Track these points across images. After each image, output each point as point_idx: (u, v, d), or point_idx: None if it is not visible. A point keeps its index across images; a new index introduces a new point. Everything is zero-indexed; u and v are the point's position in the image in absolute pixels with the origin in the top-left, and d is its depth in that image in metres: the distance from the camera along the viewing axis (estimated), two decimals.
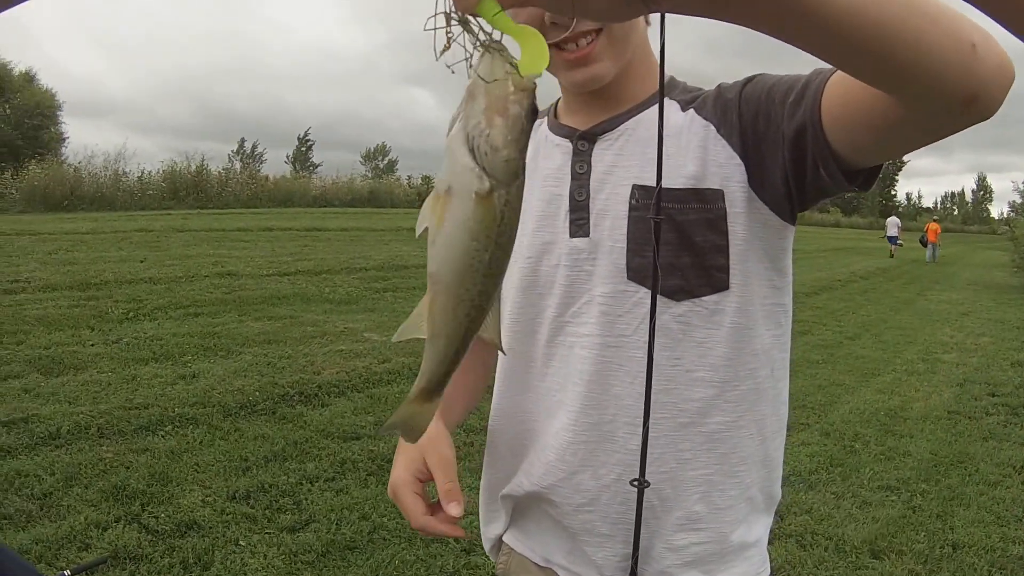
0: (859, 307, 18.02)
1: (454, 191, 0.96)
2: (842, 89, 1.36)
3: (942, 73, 1.09)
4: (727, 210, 1.57)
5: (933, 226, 41.75)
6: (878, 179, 1.48)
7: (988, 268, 35.86)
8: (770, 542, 4.42)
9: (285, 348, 9.69)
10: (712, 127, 1.59)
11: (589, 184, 1.63)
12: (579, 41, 1.55)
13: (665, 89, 1.63)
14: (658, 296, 1.54)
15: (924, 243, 41.43)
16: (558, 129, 1.73)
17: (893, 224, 45.01)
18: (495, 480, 1.87)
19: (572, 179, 1.66)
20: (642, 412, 1.54)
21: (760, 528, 1.80)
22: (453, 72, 0.98)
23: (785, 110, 1.47)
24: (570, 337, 1.65)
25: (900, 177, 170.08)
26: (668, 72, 1.69)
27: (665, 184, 1.53)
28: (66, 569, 4.18)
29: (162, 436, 6.46)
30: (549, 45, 1.55)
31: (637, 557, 1.62)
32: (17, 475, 5.52)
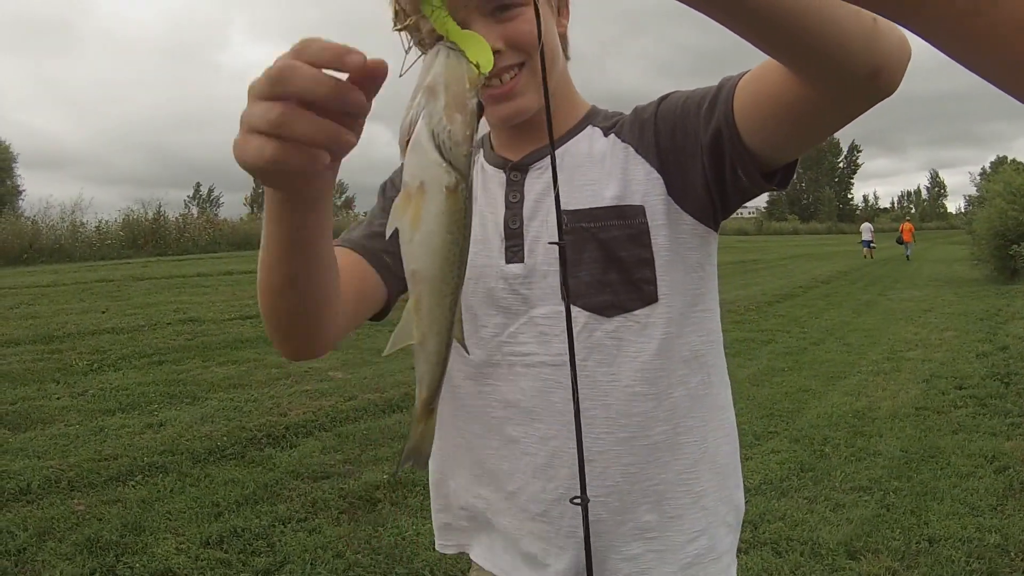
0: (822, 312, 18.12)
1: (426, 187, 0.98)
2: (752, 88, 1.43)
3: (847, 46, 1.17)
4: (648, 224, 1.61)
5: (907, 226, 44.18)
6: (794, 175, 1.55)
7: (948, 263, 36.15)
8: (745, 551, 4.42)
9: (251, 391, 9.67)
10: (631, 148, 1.65)
11: (522, 212, 1.67)
12: (502, 76, 1.58)
13: (587, 117, 1.73)
14: (590, 314, 1.61)
15: (900, 242, 43.62)
16: (493, 159, 1.77)
17: (867, 229, 46.78)
18: (453, 497, 1.89)
19: (506, 208, 1.70)
20: (581, 427, 1.57)
21: (724, 543, 1.81)
22: (401, 76, 1.01)
23: (700, 119, 1.52)
24: (509, 356, 1.69)
25: (856, 180, 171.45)
26: (590, 101, 1.78)
27: (588, 205, 1.60)
28: None
29: (132, 486, 6.42)
30: None
31: (591, 572, 1.64)
32: None
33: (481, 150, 1.82)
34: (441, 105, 0.98)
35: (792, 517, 5.86)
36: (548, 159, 1.65)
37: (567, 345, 1.55)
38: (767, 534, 5.56)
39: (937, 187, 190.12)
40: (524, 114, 1.62)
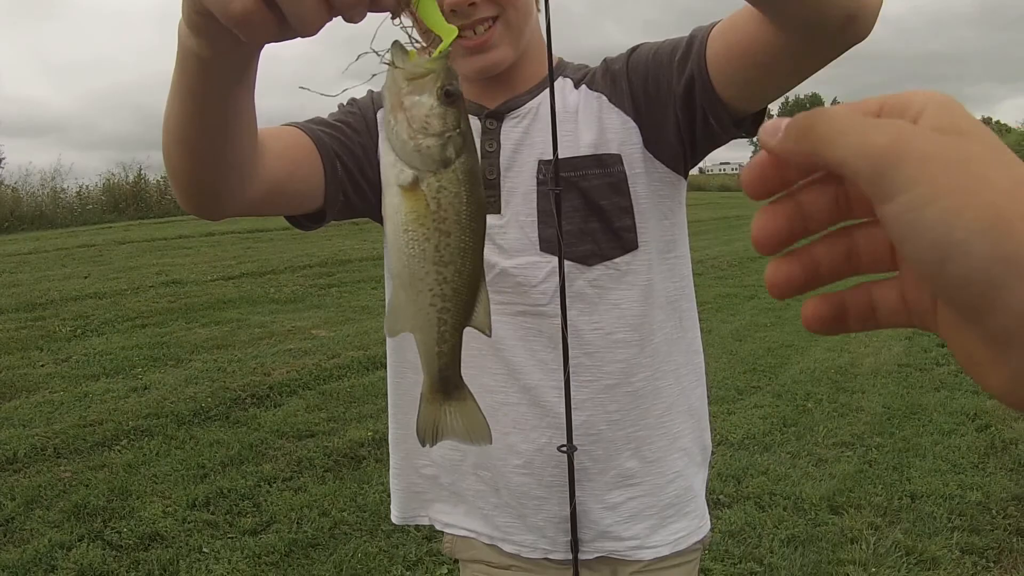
0: None
1: (385, 187, 0.99)
2: (724, 37, 1.47)
3: None
4: (627, 172, 1.63)
5: None
6: (764, 121, 1.55)
7: None
8: (728, 505, 4.44)
9: (234, 352, 9.66)
10: (604, 97, 1.67)
11: (499, 162, 1.68)
12: (476, 28, 1.59)
13: (556, 70, 1.72)
14: (571, 263, 1.62)
15: None
16: (468, 106, 1.75)
17: None
18: (415, 455, 1.89)
19: (482, 158, 1.69)
20: (562, 376, 1.59)
21: (698, 482, 1.86)
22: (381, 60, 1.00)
23: (673, 69, 1.55)
24: None
25: None
26: (580, 60, 1.78)
27: (566, 154, 1.61)
28: None
29: (118, 451, 6.44)
30: None
31: (575, 521, 1.66)
32: None
33: None
34: (388, 107, 0.99)
35: (775, 472, 5.90)
36: (524, 108, 1.66)
37: (547, 295, 1.56)
38: (750, 488, 5.59)
39: None
40: (498, 67, 1.63)
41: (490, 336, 1.11)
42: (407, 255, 0.99)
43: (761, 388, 8.13)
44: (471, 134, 0.99)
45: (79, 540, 4.97)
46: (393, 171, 0.97)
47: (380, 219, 1.80)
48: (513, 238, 1.65)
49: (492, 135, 1.71)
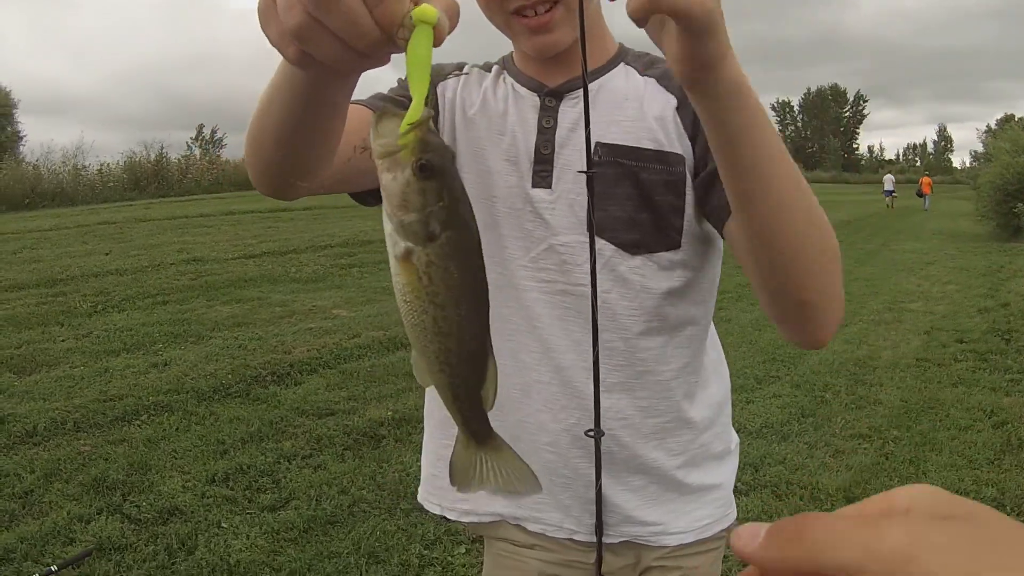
0: None
1: (390, 255, 0.96)
2: (728, 237, 1.58)
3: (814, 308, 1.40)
4: (686, 175, 1.62)
5: (926, 180, 48.20)
6: None
7: (952, 217, 35.95)
8: (745, 493, 4.44)
9: (255, 330, 9.71)
10: (675, 101, 1.66)
11: (555, 139, 1.67)
12: (537, 8, 1.58)
13: (617, 56, 1.74)
14: (615, 248, 1.62)
15: (920, 194, 46.73)
16: (525, 81, 1.76)
17: (889, 180, 48.74)
18: (444, 428, 1.88)
19: (538, 132, 1.69)
20: (599, 360, 1.59)
21: (722, 472, 1.87)
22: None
23: (708, 177, 1.57)
24: (526, 280, 1.69)
25: (862, 130, 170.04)
26: (618, 40, 1.78)
27: (631, 144, 1.61)
28: (53, 564, 4.21)
29: (138, 426, 6.48)
30: (511, 13, 1.59)
31: (600, 505, 1.67)
32: None
33: (504, 71, 1.81)
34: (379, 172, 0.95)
35: (792, 461, 5.90)
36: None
37: (590, 276, 1.57)
38: (767, 477, 5.60)
39: (944, 141, 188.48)
40: (557, 47, 1.62)
41: (490, 409, 1.05)
42: (410, 324, 0.97)
43: (780, 378, 8.12)
44: (461, 202, 0.94)
45: (98, 513, 4.99)
46: (390, 241, 0.95)
47: None
48: (561, 215, 1.64)
49: (550, 112, 1.70)
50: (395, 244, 0.93)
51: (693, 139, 1.64)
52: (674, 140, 1.63)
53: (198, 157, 48.38)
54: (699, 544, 1.82)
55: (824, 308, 1.38)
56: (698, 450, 1.79)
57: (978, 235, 26.63)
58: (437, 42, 0.92)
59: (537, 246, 1.68)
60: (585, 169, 1.49)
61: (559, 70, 1.69)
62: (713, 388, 1.84)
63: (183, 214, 24.64)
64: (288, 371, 7.99)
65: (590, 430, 1.60)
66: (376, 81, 1.81)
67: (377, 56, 0.94)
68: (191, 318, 10.34)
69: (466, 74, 1.82)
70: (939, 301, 12.88)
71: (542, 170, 1.67)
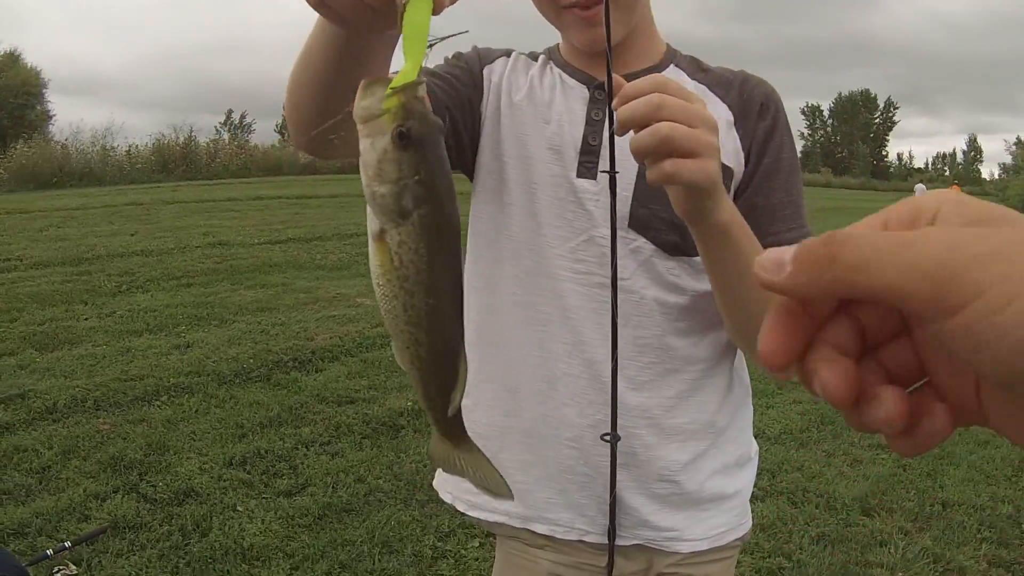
0: None
1: (369, 234, 0.91)
2: None
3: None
4: (731, 188, 1.62)
5: (955, 188, 47.15)
6: None
7: None
8: (761, 499, 4.43)
9: (278, 315, 9.71)
10: (729, 115, 1.68)
11: (603, 132, 1.67)
12: (589, 2, 1.59)
13: (668, 56, 1.76)
14: (655, 247, 1.63)
15: None
16: (573, 72, 1.76)
17: (920, 189, 49.23)
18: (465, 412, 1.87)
19: (587, 124, 1.69)
20: (627, 354, 1.62)
21: (740, 480, 1.86)
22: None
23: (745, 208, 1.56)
24: (563, 271, 1.69)
25: (891, 137, 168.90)
26: (664, 40, 1.79)
27: None
28: (67, 541, 4.23)
29: (158, 406, 6.50)
30: (561, 6, 1.60)
31: (614, 509, 1.66)
32: (16, 450, 5.55)
33: (550, 62, 1.81)
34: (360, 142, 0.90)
35: (810, 469, 5.88)
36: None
37: (629, 270, 1.57)
38: (784, 483, 5.58)
39: (974, 152, 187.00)
40: (604, 42, 1.62)
41: (449, 416, 0.98)
42: (384, 308, 0.92)
43: (800, 384, 8.05)
44: (440, 179, 0.88)
45: (114, 492, 5.01)
46: (368, 219, 0.90)
47: (470, 176, 1.82)
48: (605, 207, 1.61)
49: (600, 105, 1.70)
50: (371, 222, 0.89)
51: (747, 158, 1.66)
52: (728, 153, 1.63)
53: (227, 141, 48.45)
54: (713, 552, 1.82)
55: None
56: (719, 455, 1.79)
57: None
58: (436, 10, 0.92)
59: (577, 237, 1.68)
60: (643, 166, 1.48)
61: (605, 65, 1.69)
62: (736, 393, 1.84)
63: (210, 197, 24.66)
64: (310, 357, 7.98)
65: (606, 434, 1.59)
66: None
67: (387, 13, 0.95)
68: (215, 301, 10.35)
69: (514, 59, 1.82)
70: None
71: (587, 161, 1.68)
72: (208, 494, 5.04)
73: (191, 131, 40.79)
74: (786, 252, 0.50)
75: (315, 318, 9.60)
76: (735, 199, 1.64)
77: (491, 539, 4.56)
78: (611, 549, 1.70)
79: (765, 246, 1.47)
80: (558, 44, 1.83)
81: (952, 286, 0.44)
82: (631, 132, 1.29)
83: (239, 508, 4.88)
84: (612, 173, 1.49)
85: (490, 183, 1.76)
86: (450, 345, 0.94)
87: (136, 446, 5.65)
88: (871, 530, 5.06)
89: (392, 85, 0.86)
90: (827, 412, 7.15)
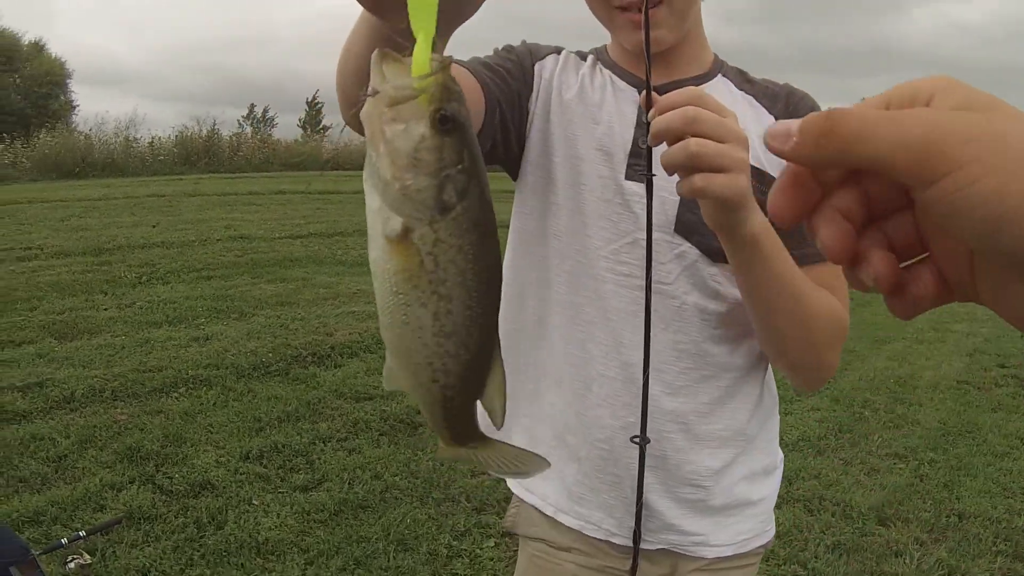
0: None
1: (370, 239, 0.81)
2: None
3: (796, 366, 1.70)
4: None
5: None
6: None
7: None
8: (778, 506, 4.44)
9: (298, 310, 9.72)
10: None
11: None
12: (642, 5, 1.57)
13: (716, 65, 1.77)
14: (699, 252, 1.64)
15: None
16: (625, 75, 1.76)
17: None
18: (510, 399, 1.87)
19: (636, 127, 1.69)
20: (665, 359, 1.65)
21: (766, 488, 1.87)
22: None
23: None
24: (605, 272, 1.69)
25: None
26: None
27: None
28: (82, 530, 4.23)
29: (176, 398, 6.51)
30: (615, 8, 1.60)
31: (640, 512, 1.66)
32: (32, 439, 5.57)
33: (599, 63, 1.80)
34: (368, 136, 0.80)
35: (827, 477, 5.86)
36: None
37: (672, 274, 1.59)
38: (801, 491, 5.56)
39: None
40: (658, 46, 1.61)
41: (500, 427, 0.91)
42: (400, 323, 0.81)
43: (819, 392, 8.02)
44: (481, 168, 0.81)
45: (130, 482, 5.03)
46: (378, 219, 0.78)
47: (514, 173, 1.82)
48: (652, 212, 1.63)
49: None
50: (386, 221, 0.78)
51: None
52: (773, 162, 1.64)
53: (249, 135, 48.47)
54: (737, 558, 1.82)
55: (804, 375, 1.72)
56: (748, 463, 1.80)
57: None
58: None
59: (621, 239, 1.68)
60: (649, 172, 1.48)
61: (659, 69, 1.67)
62: (766, 401, 1.85)
63: (232, 191, 24.69)
64: (329, 353, 7.99)
65: (635, 436, 1.59)
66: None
67: None
68: (235, 295, 10.36)
69: (564, 57, 1.82)
70: (984, 323, 12.75)
71: (636, 164, 1.67)
72: (224, 487, 5.05)
73: (214, 124, 40.84)
74: (793, 124, 0.56)
75: (335, 313, 9.61)
76: None
77: (507, 539, 4.56)
78: (635, 552, 1.71)
79: (797, 259, 1.54)
80: (606, 45, 1.83)
81: (931, 160, 0.51)
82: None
83: (255, 502, 4.89)
84: (649, 176, 1.49)
85: (537, 181, 1.76)
86: (487, 351, 0.85)
87: (153, 437, 5.66)
88: (886, 540, 5.06)
89: (413, 61, 0.78)
90: (845, 420, 7.15)
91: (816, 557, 4.76)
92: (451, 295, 0.79)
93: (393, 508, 4.93)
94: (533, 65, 1.78)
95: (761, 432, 1.83)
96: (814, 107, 1.75)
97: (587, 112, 1.72)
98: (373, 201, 0.79)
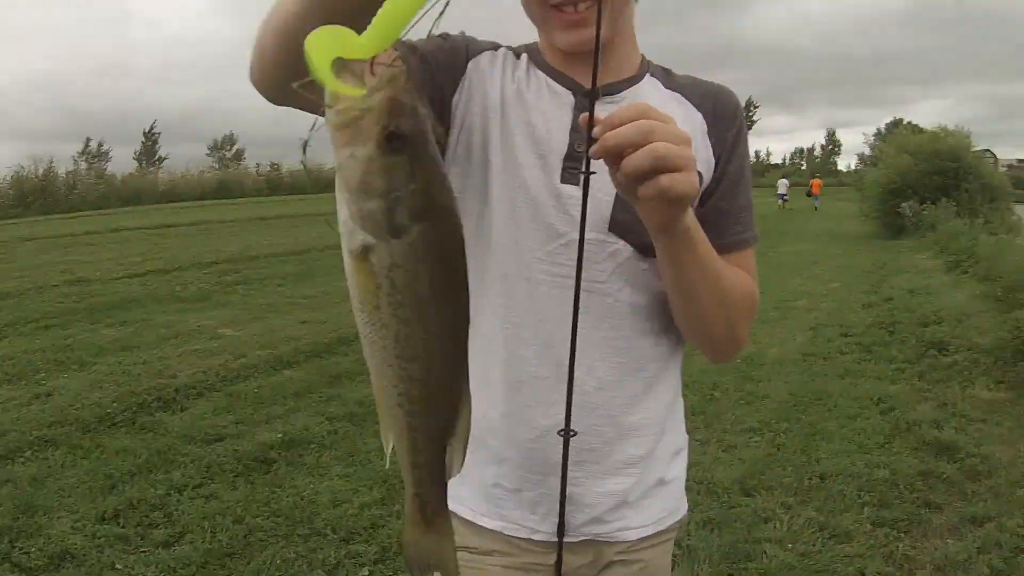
0: None
1: (343, 251, 0.79)
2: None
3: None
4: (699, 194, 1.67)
5: (816, 181, 53.49)
6: None
7: (837, 219, 36.83)
8: None
9: (140, 354, 9.55)
10: (703, 122, 1.76)
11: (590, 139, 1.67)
12: (577, 5, 1.61)
13: (644, 65, 1.81)
14: (633, 249, 1.69)
15: (809, 195, 50.94)
16: (558, 78, 1.76)
17: (783, 184, 52.65)
18: None
19: (572, 131, 1.71)
20: (598, 355, 1.69)
21: (678, 467, 1.93)
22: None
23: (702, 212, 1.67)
24: (540, 274, 1.70)
25: (751, 135, 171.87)
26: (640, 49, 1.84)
27: None
28: None
29: (22, 463, 6.27)
30: (550, 6, 1.62)
31: (564, 506, 1.69)
32: None
33: (531, 63, 1.80)
34: (336, 145, 0.77)
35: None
36: (620, 95, 1.73)
37: (605, 273, 1.67)
38: None
39: (832, 145, 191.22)
40: (591, 45, 1.60)
41: (456, 473, 0.94)
42: (367, 340, 0.80)
43: None
44: (438, 187, 0.78)
45: None
46: (345, 232, 0.77)
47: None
48: (587, 213, 1.60)
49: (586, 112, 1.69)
50: (351, 235, 0.76)
51: (716, 164, 1.74)
52: (701, 160, 1.68)
53: (84, 171, 47.49)
54: (655, 536, 1.87)
55: (720, 348, 1.77)
56: (664, 446, 1.85)
57: (862, 235, 27.67)
58: None
59: (555, 240, 1.70)
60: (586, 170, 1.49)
61: (589, 70, 1.68)
62: (679, 386, 1.92)
63: (69, 232, 24.25)
64: (174, 396, 7.87)
65: (562, 429, 1.61)
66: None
67: None
68: (74, 343, 10.13)
69: (503, 56, 1.82)
70: (824, 298, 13.19)
71: (572, 167, 1.69)
72: (85, 555, 4.88)
73: (51, 162, 39.95)
74: None
75: (176, 354, 9.50)
76: (701, 204, 1.71)
77: (380, 567, 4.55)
78: (560, 545, 1.73)
79: (724, 246, 1.65)
80: (536, 44, 1.83)
81: None
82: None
83: (118, 566, 4.75)
84: (587, 175, 1.50)
85: (473, 182, 1.75)
86: (450, 385, 0.84)
87: (4, 510, 5.44)
88: (753, 509, 5.29)
89: (347, 58, 0.75)
90: (697, 403, 7.33)
91: (689, 535, 4.90)
92: (409, 319, 0.78)
93: (260, 551, 4.87)
94: (467, 60, 1.77)
95: (672, 415, 1.88)
96: (737, 103, 1.82)
97: (523, 115, 1.74)
98: (342, 213, 0.77)
